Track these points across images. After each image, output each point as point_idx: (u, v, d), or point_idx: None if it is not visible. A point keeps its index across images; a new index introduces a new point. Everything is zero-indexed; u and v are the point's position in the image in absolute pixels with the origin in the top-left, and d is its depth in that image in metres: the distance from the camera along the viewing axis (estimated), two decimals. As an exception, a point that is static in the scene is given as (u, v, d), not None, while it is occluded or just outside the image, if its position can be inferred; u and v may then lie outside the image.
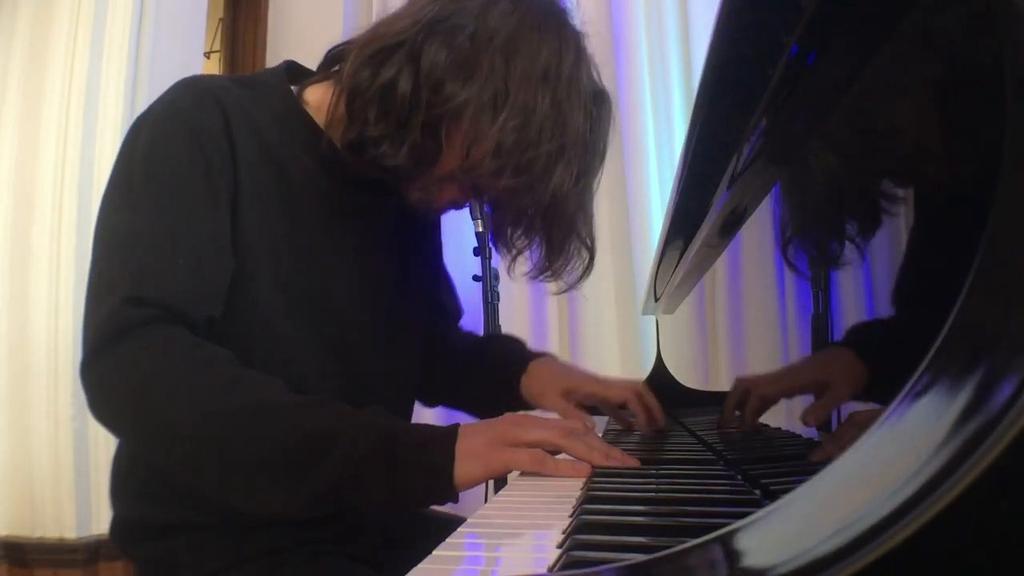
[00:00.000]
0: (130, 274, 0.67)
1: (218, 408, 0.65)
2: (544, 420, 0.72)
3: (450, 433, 0.65)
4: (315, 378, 0.78)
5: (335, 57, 0.85)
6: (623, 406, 1.01)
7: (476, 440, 0.65)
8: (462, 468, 0.63)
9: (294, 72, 0.87)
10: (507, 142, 0.71)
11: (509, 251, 0.87)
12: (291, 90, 0.83)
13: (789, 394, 0.61)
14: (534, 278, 0.87)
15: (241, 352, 0.71)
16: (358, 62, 0.74)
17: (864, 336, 0.42)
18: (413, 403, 0.98)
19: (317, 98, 0.83)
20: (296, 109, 0.82)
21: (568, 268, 0.85)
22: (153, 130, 0.74)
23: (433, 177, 0.78)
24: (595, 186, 0.83)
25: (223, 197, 0.73)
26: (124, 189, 0.72)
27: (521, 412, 0.90)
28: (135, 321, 0.65)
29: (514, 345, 1.06)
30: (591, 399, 1.00)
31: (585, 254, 0.86)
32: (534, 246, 0.84)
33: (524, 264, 0.88)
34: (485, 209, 0.98)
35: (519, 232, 0.84)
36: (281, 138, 0.79)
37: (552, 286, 0.90)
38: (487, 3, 0.74)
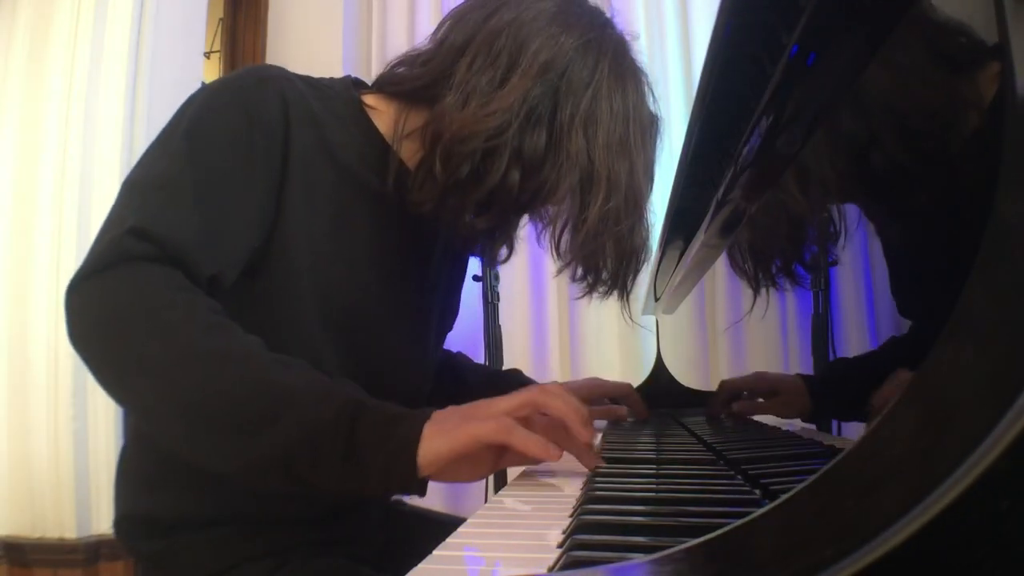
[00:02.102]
0: (143, 211, 0.66)
1: (184, 348, 0.62)
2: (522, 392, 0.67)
3: (421, 414, 0.62)
4: (332, 366, 0.78)
5: (397, 78, 0.85)
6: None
7: (446, 420, 0.62)
8: (427, 446, 0.59)
9: (358, 85, 0.88)
10: (599, 225, 0.75)
11: (573, 279, 0.88)
12: (356, 95, 0.84)
13: (748, 389, 0.62)
14: (589, 294, 0.88)
15: (264, 330, 0.70)
16: (456, 158, 0.74)
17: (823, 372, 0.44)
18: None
19: (380, 106, 0.84)
20: (360, 113, 0.83)
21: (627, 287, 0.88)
22: (207, 100, 0.74)
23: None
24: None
25: (261, 180, 0.72)
26: (161, 145, 0.72)
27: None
28: (131, 253, 0.64)
29: (516, 378, 1.11)
30: (589, 395, 1.06)
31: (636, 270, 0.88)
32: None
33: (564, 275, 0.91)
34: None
35: (593, 277, 0.85)
36: (341, 137, 0.79)
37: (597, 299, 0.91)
38: (569, 80, 0.76)
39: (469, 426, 0.61)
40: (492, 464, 0.65)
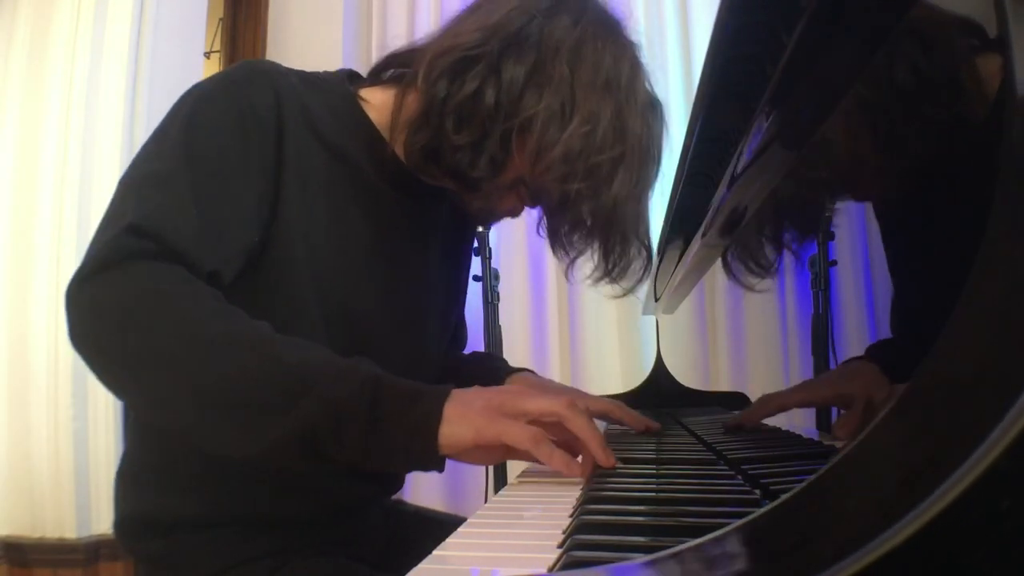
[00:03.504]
0: (141, 209, 0.66)
1: (194, 334, 0.62)
2: (548, 387, 0.69)
3: (442, 391, 0.62)
4: None
5: (395, 62, 0.86)
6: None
7: (471, 404, 0.62)
8: (449, 429, 0.60)
9: (353, 78, 0.88)
10: (575, 148, 0.73)
11: (568, 255, 0.88)
12: (350, 89, 0.84)
13: (813, 404, 0.60)
14: (596, 282, 0.87)
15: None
16: (436, 72, 0.76)
17: (883, 352, 0.42)
18: None
19: (376, 99, 0.84)
20: (354, 106, 0.83)
21: (628, 271, 0.86)
22: (201, 98, 0.74)
23: (497, 185, 0.80)
24: (650, 192, 0.85)
25: (256, 175, 0.73)
26: (156, 143, 0.72)
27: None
28: (131, 251, 0.64)
29: (490, 360, 1.08)
30: None
31: (644, 254, 0.87)
32: (592, 251, 0.85)
33: (578, 268, 0.89)
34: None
35: (578, 235, 0.85)
36: (335, 131, 0.79)
37: (609, 290, 0.90)
38: (551, 15, 0.77)
39: (498, 424, 0.62)
40: (503, 456, 0.66)
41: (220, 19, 2.77)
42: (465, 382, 0.98)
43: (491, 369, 1.02)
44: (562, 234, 0.86)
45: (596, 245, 0.84)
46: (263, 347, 0.62)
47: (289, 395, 0.60)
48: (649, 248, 0.87)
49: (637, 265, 0.86)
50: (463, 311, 1.09)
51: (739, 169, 0.64)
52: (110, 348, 0.64)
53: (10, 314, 2.07)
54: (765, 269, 0.58)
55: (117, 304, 0.63)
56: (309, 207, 0.76)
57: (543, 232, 0.91)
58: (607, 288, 0.89)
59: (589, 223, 0.80)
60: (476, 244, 1.34)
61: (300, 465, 0.63)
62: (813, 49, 0.46)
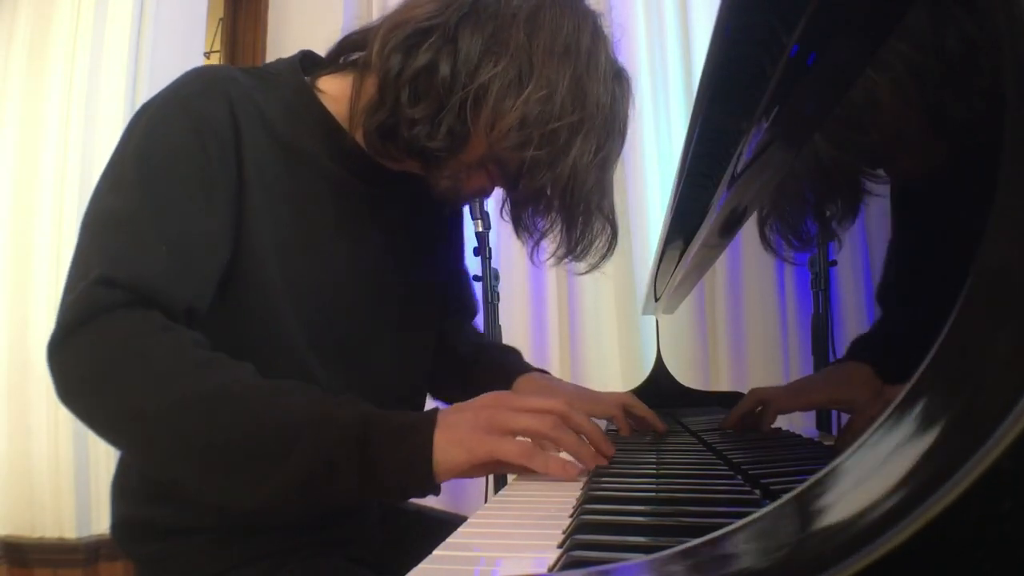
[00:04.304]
0: (107, 257, 0.65)
1: (180, 393, 0.61)
2: (532, 402, 0.67)
3: (428, 420, 0.62)
4: (320, 375, 0.78)
5: (349, 46, 0.84)
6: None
7: (459, 426, 0.62)
8: (444, 456, 0.60)
9: (309, 62, 0.86)
10: (531, 114, 0.71)
11: (531, 234, 0.86)
12: (305, 80, 0.82)
13: (807, 409, 0.61)
14: (560, 260, 0.85)
15: (244, 348, 0.69)
16: (389, 46, 0.74)
17: (875, 351, 0.42)
18: (424, 399, 0.98)
19: (334, 88, 0.82)
20: (310, 99, 0.81)
21: (592, 248, 0.84)
22: (153, 116, 0.72)
23: (462, 162, 0.77)
24: (614, 165, 0.82)
25: (220, 191, 0.71)
26: (114, 173, 0.71)
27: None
28: (104, 304, 0.63)
29: (505, 358, 1.05)
30: None
31: (608, 230, 0.84)
32: (556, 229, 0.83)
33: (545, 250, 0.87)
34: (484, 208, 0.97)
35: (539, 210, 0.82)
36: (293, 130, 0.78)
37: (579, 268, 0.88)
38: None
39: (488, 443, 0.61)
40: (498, 469, 0.66)
41: (220, 19, 2.77)
42: (475, 382, 0.98)
43: (503, 369, 1.00)
44: (524, 212, 0.84)
45: (558, 219, 0.82)
46: (247, 401, 0.62)
47: (279, 449, 0.59)
48: (614, 223, 0.85)
49: (601, 241, 0.84)
50: (465, 279, 1.08)
51: (739, 169, 0.64)
52: (95, 409, 0.64)
53: (10, 314, 2.07)
54: (805, 243, 0.58)
55: (96, 362, 0.63)
56: (275, 213, 0.75)
57: (506, 215, 0.89)
58: (574, 265, 0.87)
59: (548, 193, 0.78)
60: (476, 244, 1.34)
61: (301, 510, 0.62)
62: (813, 49, 0.46)
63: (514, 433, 0.64)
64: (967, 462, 0.18)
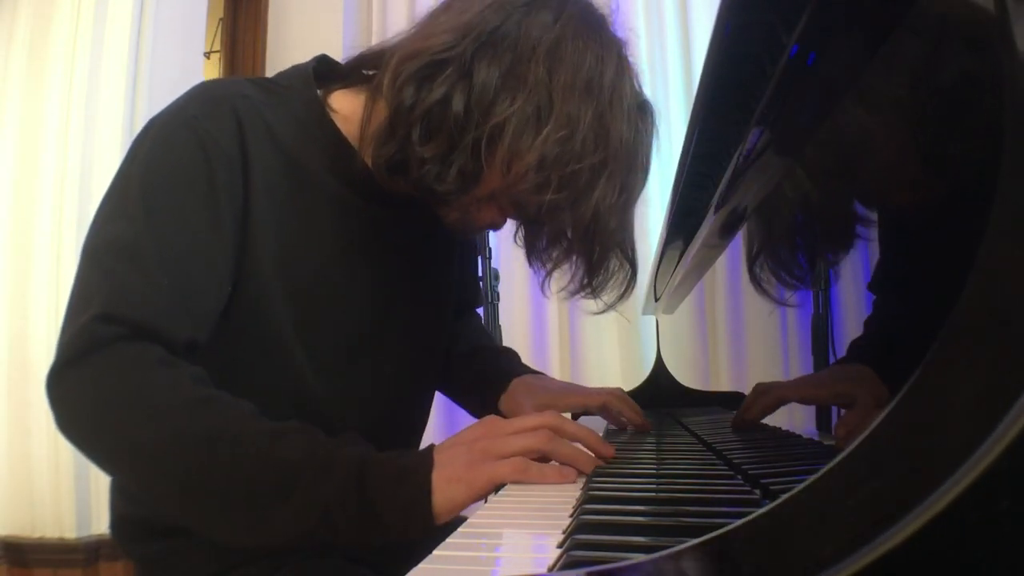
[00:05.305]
0: (107, 289, 0.65)
1: (177, 431, 0.61)
2: (521, 423, 0.66)
3: (425, 461, 0.61)
4: (324, 396, 0.77)
5: (365, 62, 0.81)
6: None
7: (455, 462, 0.61)
8: (443, 496, 0.60)
9: (324, 69, 0.83)
10: (550, 155, 0.67)
11: (544, 267, 0.83)
12: (317, 95, 0.80)
13: (810, 401, 0.60)
14: (572, 295, 0.82)
15: (249, 371, 0.69)
16: (402, 78, 0.70)
17: (873, 352, 0.42)
18: (428, 415, 0.98)
19: (345, 107, 0.79)
20: (321, 117, 0.78)
21: (609, 285, 0.81)
22: (158, 137, 0.71)
23: (474, 197, 0.74)
24: (636, 202, 0.79)
25: (226, 215, 0.70)
26: (118, 196, 0.69)
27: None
28: (103, 339, 0.62)
29: (500, 360, 1.05)
30: (571, 410, 1.01)
31: (627, 268, 0.82)
32: (572, 263, 0.80)
33: (557, 281, 0.84)
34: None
35: (557, 251, 0.79)
36: (303, 148, 0.76)
37: (592, 305, 0.84)
38: (528, 12, 0.71)
39: (485, 472, 0.61)
40: (496, 488, 0.66)
41: (220, 19, 2.77)
42: (475, 385, 0.99)
43: (496, 374, 1.01)
44: (540, 246, 0.82)
45: (575, 259, 0.79)
46: (244, 444, 0.61)
47: (278, 491, 0.59)
48: (633, 262, 0.82)
49: (618, 279, 0.82)
50: (471, 279, 1.09)
51: (739, 169, 0.64)
52: (93, 442, 0.64)
53: (10, 314, 2.07)
54: (800, 280, 0.58)
55: (94, 397, 0.63)
56: (280, 235, 0.74)
57: (520, 241, 0.86)
58: (587, 303, 0.84)
59: (569, 235, 0.75)
60: (477, 244, 1.34)
61: (302, 548, 0.63)
62: (813, 49, 0.46)
63: (511, 455, 0.63)
64: (966, 462, 0.18)
